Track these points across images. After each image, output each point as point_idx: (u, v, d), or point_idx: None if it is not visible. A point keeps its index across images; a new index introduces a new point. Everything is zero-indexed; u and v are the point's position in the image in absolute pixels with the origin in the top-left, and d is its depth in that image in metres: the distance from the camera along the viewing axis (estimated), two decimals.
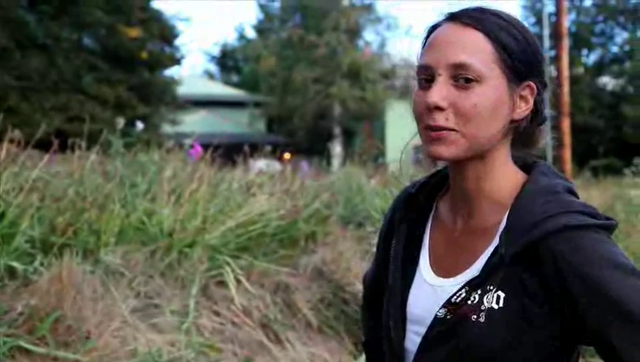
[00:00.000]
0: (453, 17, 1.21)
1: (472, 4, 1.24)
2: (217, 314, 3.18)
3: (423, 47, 1.23)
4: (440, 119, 1.16)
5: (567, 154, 17.78)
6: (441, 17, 1.24)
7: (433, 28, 1.24)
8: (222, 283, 3.32)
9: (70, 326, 2.40)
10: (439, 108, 1.15)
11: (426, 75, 1.18)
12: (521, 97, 1.20)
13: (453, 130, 1.16)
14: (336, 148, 24.37)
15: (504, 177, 1.24)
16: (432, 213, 1.35)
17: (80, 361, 2.30)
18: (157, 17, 21.61)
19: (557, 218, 1.12)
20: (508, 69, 1.17)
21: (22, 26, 18.54)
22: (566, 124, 18.02)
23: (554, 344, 1.16)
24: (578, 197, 1.22)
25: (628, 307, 1.06)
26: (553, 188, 1.19)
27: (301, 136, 26.76)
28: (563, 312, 1.12)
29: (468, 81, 1.15)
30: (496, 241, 1.19)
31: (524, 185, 1.21)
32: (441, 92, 1.15)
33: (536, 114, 1.24)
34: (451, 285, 1.23)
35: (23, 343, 2.27)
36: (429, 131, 1.17)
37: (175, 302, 2.98)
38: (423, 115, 1.18)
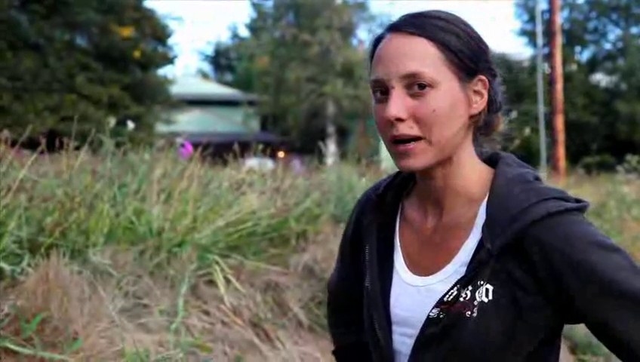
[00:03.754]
0: (395, 28, 1.23)
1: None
2: (207, 313, 3.16)
3: (371, 62, 1.25)
4: (404, 128, 1.18)
5: (561, 151, 17.84)
6: (384, 29, 1.26)
7: (377, 41, 1.26)
8: (212, 283, 3.31)
9: (57, 327, 2.38)
10: (400, 120, 1.18)
11: (381, 89, 1.21)
12: (476, 92, 1.23)
13: (420, 137, 1.18)
14: (331, 147, 24.37)
15: (471, 172, 1.26)
16: (399, 213, 1.36)
17: None
18: (149, 16, 21.56)
19: (537, 206, 1.15)
20: (457, 69, 1.20)
21: (14, 26, 18.49)
22: (560, 121, 18.09)
23: (546, 331, 1.19)
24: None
25: (618, 285, 1.10)
26: (524, 178, 1.22)
27: (295, 134, 26.76)
28: (555, 298, 1.14)
29: (422, 87, 1.17)
30: (474, 235, 1.21)
31: (493, 178, 1.23)
32: (397, 104, 1.17)
33: (491, 103, 1.27)
34: (432, 283, 1.24)
35: (8, 344, 2.25)
36: (396, 145, 1.20)
37: (164, 301, 2.96)
38: (386, 128, 1.20)
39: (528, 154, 19.89)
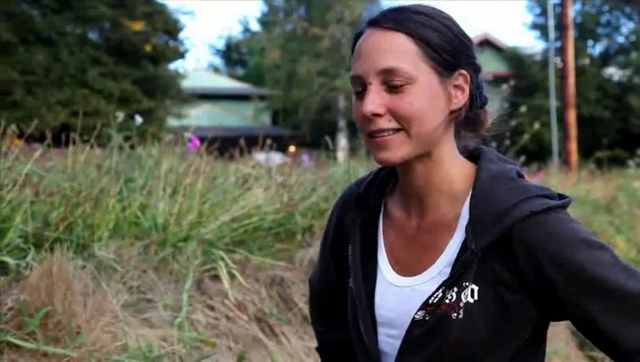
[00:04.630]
0: (374, 23, 1.22)
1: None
2: (212, 308, 3.16)
3: (352, 57, 1.24)
4: (383, 123, 1.17)
5: (573, 145, 17.71)
6: (363, 24, 1.25)
7: (358, 36, 1.25)
8: (216, 278, 3.31)
9: (60, 322, 2.38)
10: (378, 115, 1.16)
11: (359, 85, 1.20)
12: (456, 87, 1.21)
13: (399, 129, 1.17)
14: (342, 141, 24.32)
15: (453, 169, 1.24)
16: (382, 211, 1.34)
17: (69, 356, 2.29)
18: (161, 11, 21.58)
19: (521, 205, 1.13)
20: (436, 64, 1.18)
21: (26, 21, 18.58)
22: (572, 116, 17.96)
23: (531, 330, 1.18)
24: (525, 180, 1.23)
25: (607, 284, 1.09)
26: (508, 175, 1.20)
27: (306, 128, 26.73)
28: (542, 298, 1.13)
29: (399, 84, 1.15)
30: (458, 235, 1.19)
31: (476, 175, 1.21)
32: (374, 100, 1.16)
33: (474, 99, 1.24)
34: (417, 284, 1.22)
35: (11, 338, 2.26)
36: (373, 138, 1.19)
37: (168, 296, 2.96)
38: (364, 123, 1.19)
39: (540, 149, 19.79)
